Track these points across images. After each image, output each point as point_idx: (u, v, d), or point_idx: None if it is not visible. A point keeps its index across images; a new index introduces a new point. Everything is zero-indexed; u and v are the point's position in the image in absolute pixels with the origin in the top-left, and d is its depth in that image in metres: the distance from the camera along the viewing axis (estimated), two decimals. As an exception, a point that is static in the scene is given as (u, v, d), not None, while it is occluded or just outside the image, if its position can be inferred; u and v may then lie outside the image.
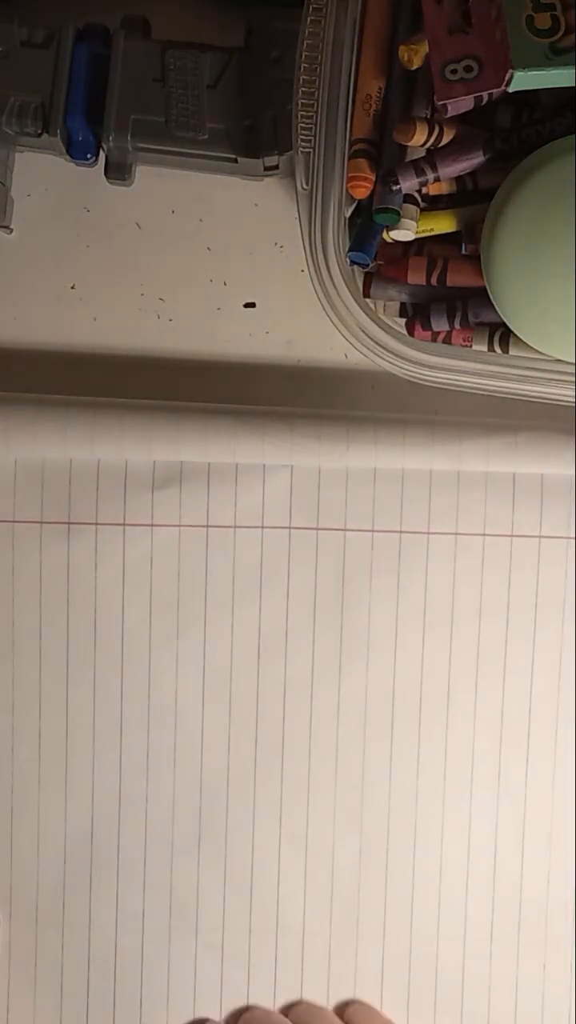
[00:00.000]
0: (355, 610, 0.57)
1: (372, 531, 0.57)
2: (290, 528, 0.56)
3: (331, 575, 0.57)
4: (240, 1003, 0.57)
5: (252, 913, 0.57)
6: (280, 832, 0.57)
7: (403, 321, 0.54)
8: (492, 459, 0.56)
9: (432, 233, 0.51)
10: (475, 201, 0.50)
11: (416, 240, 0.51)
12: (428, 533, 0.57)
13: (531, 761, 0.58)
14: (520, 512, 0.57)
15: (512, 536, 0.57)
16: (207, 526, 0.56)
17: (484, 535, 0.57)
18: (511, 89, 0.45)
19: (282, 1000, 0.57)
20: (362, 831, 0.58)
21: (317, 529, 0.56)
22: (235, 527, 0.56)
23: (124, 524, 0.56)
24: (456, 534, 0.57)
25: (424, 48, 0.47)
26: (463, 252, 0.51)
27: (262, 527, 0.56)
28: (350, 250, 0.50)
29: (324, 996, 0.57)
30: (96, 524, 0.56)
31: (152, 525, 0.56)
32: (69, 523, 0.56)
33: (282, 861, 0.57)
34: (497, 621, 0.57)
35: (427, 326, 0.53)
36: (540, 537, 0.57)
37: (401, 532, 0.57)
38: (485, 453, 0.56)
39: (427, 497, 0.57)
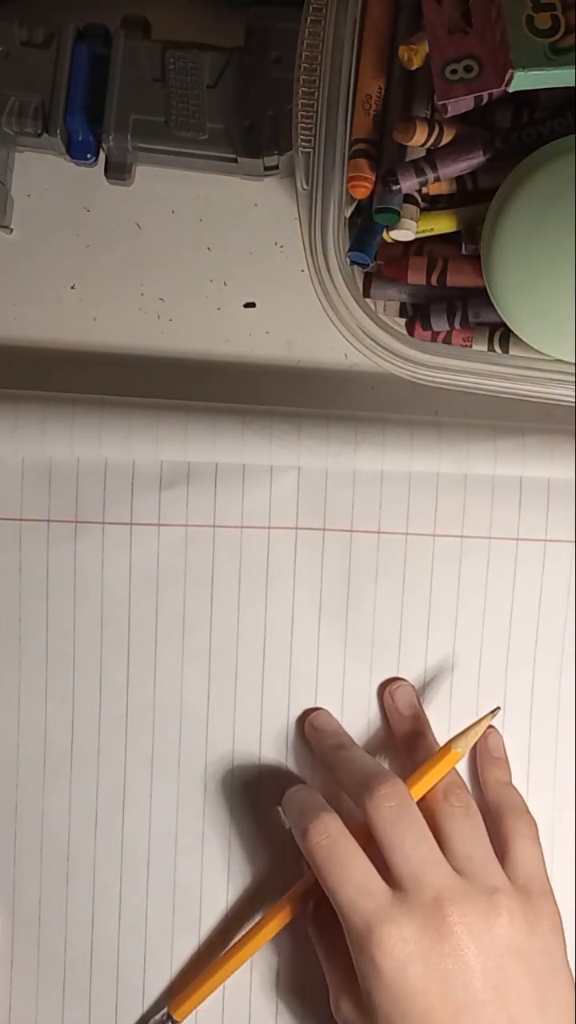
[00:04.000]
0: (360, 611, 0.57)
1: (378, 532, 0.56)
2: (296, 528, 0.56)
3: (337, 576, 0.57)
4: (243, 1002, 0.57)
5: (255, 914, 0.57)
6: (285, 833, 0.57)
7: (403, 321, 0.54)
8: (499, 462, 0.56)
9: (432, 233, 0.51)
10: (475, 201, 0.50)
11: (416, 240, 0.51)
12: (434, 535, 0.57)
13: (532, 763, 0.58)
14: (526, 516, 0.57)
15: (518, 540, 0.57)
16: (214, 526, 0.56)
17: (490, 538, 0.57)
18: (511, 89, 0.45)
19: (284, 999, 0.57)
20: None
21: (323, 530, 0.56)
22: (242, 527, 0.56)
23: (131, 523, 0.56)
24: (462, 536, 0.57)
25: (424, 48, 0.47)
26: (463, 252, 0.51)
27: (269, 527, 0.56)
28: (350, 250, 0.50)
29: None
30: (103, 523, 0.56)
31: (159, 524, 0.56)
32: (76, 522, 0.56)
33: (287, 861, 0.57)
34: (501, 624, 0.57)
35: (427, 326, 0.52)
36: (545, 541, 0.57)
37: (407, 534, 0.57)
38: (492, 456, 0.56)
39: (434, 499, 0.56)
